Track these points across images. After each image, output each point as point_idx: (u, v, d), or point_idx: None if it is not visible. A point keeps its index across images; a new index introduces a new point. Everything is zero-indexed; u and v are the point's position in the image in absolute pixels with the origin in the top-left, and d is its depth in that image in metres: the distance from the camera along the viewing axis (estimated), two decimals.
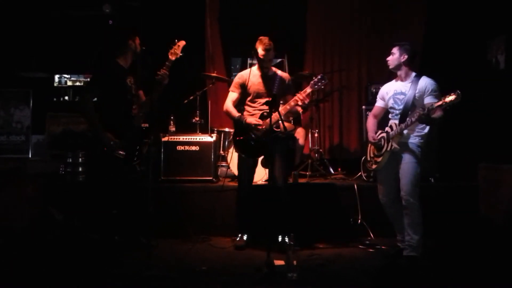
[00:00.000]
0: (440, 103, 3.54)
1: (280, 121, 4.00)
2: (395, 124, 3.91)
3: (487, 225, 4.73)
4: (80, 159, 5.11)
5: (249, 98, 4.41)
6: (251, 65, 4.50)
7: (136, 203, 4.25)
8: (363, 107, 5.41)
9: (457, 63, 5.91)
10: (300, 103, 4.16)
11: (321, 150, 6.13)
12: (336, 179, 5.50)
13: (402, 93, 3.96)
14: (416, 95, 3.87)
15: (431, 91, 3.83)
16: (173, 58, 4.10)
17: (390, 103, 4.04)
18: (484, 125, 5.56)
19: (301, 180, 5.34)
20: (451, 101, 3.48)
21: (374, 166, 4.07)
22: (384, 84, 4.25)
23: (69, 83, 6.49)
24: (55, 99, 6.48)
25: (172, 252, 4.22)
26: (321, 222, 4.80)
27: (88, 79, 6.08)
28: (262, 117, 4.27)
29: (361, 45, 6.68)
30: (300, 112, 4.21)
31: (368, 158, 4.18)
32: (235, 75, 4.64)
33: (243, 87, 4.41)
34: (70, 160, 5.10)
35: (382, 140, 3.98)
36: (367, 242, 4.55)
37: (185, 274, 3.62)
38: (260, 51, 4.22)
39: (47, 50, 6.22)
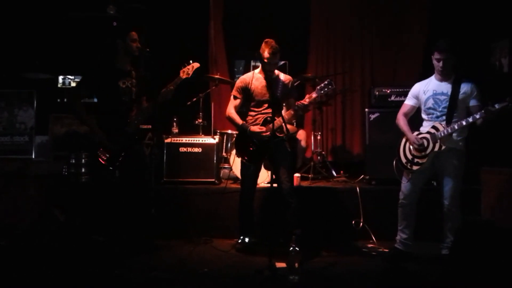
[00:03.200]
0: (505, 104, 3.56)
1: (283, 124, 3.99)
2: (441, 125, 3.82)
3: (489, 227, 4.71)
4: (83, 160, 5.12)
5: (252, 103, 4.32)
6: (255, 67, 4.46)
7: (138, 204, 4.27)
8: (366, 109, 5.40)
9: (460, 66, 5.89)
10: (302, 107, 4.13)
11: (323, 152, 6.12)
12: (338, 182, 5.50)
13: (443, 94, 3.89)
14: (460, 97, 3.83)
15: (476, 94, 3.85)
16: (183, 77, 4.09)
17: (430, 103, 3.94)
18: (487, 129, 5.54)
19: (303, 183, 5.34)
20: None
21: (415, 168, 3.93)
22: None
23: (73, 84, 6.50)
24: (58, 100, 6.49)
25: (174, 253, 4.23)
26: (323, 225, 4.80)
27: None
28: (265, 122, 4.23)
29: (364, 48, 6.68)
30: (300, 113, 4.17)
31: (404, 160, 4.03)
32: (238, 77, 4.61)
33: (246, 91, 4.32)
34: (73, 161, 5.10)
35: (425, 141, 3.88)
36: (369, 245, 4.56)
37: (187, 275, 3.63)
38: (266, 54, 4.12)
39: (51, 51, 6.24)
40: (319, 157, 5.95)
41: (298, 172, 5.39)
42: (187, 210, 4.90)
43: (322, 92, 4.12)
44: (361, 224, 4.71)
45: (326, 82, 4.10)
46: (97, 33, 6.20)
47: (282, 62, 6.35)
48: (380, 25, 6.63)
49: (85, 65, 4.75)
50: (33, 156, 5.69)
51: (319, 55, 6.76)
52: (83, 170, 5.10)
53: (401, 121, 4.10)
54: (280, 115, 4.04)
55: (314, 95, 4.12)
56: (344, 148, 6.65)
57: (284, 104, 4.53)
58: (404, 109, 4.15)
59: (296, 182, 5.04)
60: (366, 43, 6.67)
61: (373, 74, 6.64)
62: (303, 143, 5.66)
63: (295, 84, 4.55)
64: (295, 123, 5.52)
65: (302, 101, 4.12)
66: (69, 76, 6.47)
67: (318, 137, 6.02)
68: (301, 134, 5.66)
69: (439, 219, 4.46)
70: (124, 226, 4.19)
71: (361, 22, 6.67)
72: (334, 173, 5.81)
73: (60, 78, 6.46)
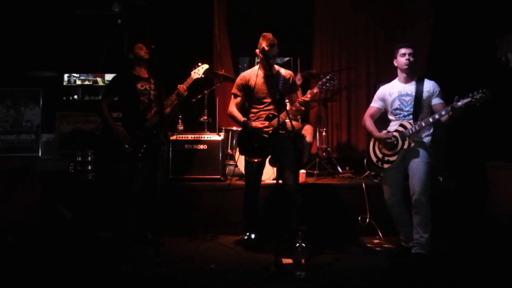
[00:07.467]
0: (469, 100, 3.59)
1: (287, 120, 3.95)
2: (409, 123, 3.90)
3: (496, 223, 4.70)
4: (89, 158, 5.17)
5: (254, 100, 4.29)
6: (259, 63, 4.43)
7: (144, 200, 4.30)
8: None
9: (466, 62, 5.87)
10: (303, 103, 4.08)
11: (329, 148, 6.12)
12: (344, 178, 5.50)
13: (408, 94, 3.99)
14: (424, 96, 3.93)
15: (438, 92, 3.95)
16: (194, 78, 4.48)
17: (396, 104, 4.02)
18: (493, 124, 5.52)
19: (309, 179, 5.34)
20: (481, 97, 3.55)
21: (387, 166, 4.00)
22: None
23: (78, 82, 6.53)
24: (64, 98, 6.54)
25: (180, 250, 4.24)
26: (329, 221, 4.80)
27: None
28: (268, 118, 4.20)
29: (369, 43, 6.65)
30: (302, 109, 4.15)
31: (375, 159, 4.10)
32: None
33: (247, 88, 4.29)
34: (80, 159, 5.16)
35: (394, 138, 3.94)
36: (376, 240, 4.56)
37: (193, 272, 3.65)
38: (264, 47, 4.07)
39: (56, 50, 6.26)
40: (324, 153, 5.94)
41: (303, 169, 5.39)
42: (193, 207, 4.90)
43: (324, 87, 4.12)
44: (367, 220, 4.70)
45: (328, 77, 4.09)
46: (101, 31, 6.22)
47: (287, 59, 6.35)
48: (385, 21, 6.60)
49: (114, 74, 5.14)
50: (40, 154, 5.72)
51: (324, 51, 6.73)
52: (89, 167, 5.15)
53: (368, 122, 4.18)
54: (284, 110, 3.99)
55: (315, 90, 4.10)
56: (350, 144, 6.63)
57: (287, 101, 4.52)
58: (370, 111, 4.23)
59: (301, 178, 5.04)
60: (371, 38, 6.64)
61: (378, 69, 6.60)
62: (308, 138, 5.64)
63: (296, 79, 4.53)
64: (300, 119, 5.51)
65: (303, 97, 4.09)
66: (75, 74, 6.51)
67: (323, 133, 6.01)
68: (307, 130, 5.64)
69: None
70: (134, 220, 4.27)
71: (366, 18, 6.63)
72: (339, 169, 5.80)
73: (66, 76, 6.49)
